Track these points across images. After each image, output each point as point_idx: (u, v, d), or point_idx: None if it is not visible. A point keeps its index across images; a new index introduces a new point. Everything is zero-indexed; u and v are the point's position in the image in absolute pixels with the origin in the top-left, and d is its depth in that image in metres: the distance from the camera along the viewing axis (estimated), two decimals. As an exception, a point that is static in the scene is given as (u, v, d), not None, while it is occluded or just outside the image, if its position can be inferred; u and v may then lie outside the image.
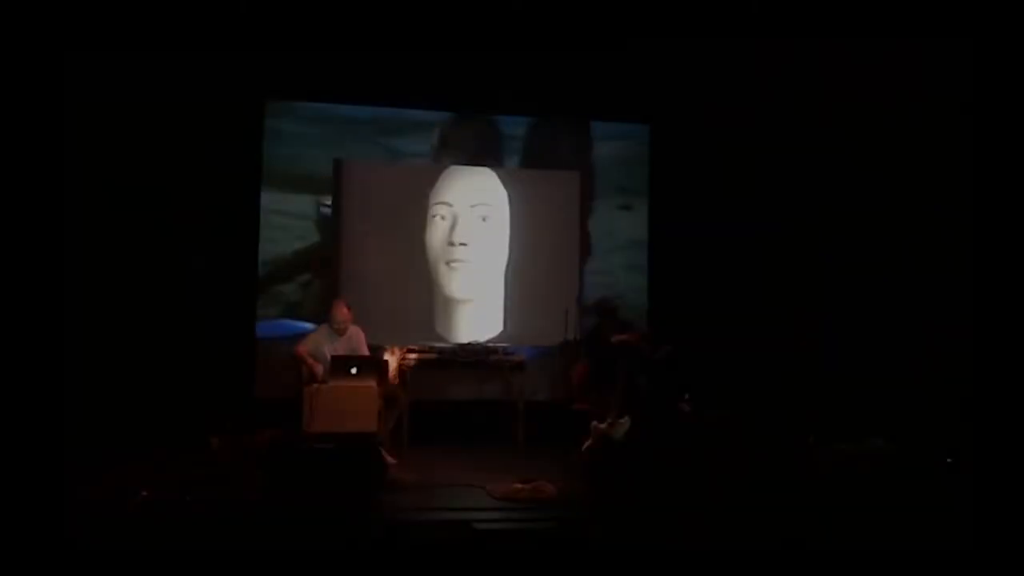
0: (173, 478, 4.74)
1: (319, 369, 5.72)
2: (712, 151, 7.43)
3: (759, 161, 7.37)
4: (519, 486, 4.73)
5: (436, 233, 7.27)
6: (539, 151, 7.50)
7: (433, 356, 6.75)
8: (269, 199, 6.98)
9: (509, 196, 7.39)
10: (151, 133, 6.57)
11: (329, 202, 7.06)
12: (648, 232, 7.60)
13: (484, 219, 7.33)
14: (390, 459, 5.29)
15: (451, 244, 7.26)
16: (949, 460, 5.47)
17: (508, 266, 7.36)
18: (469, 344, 6.93)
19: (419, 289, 7.19)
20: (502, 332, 7.26)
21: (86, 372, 6.02)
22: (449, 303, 7.26)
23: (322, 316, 6.34)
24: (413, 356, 6.65)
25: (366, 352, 6.09)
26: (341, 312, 6.02)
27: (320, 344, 5.93)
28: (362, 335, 6.15)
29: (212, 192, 6.75)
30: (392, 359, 6.45)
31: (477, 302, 7.30)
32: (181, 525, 3.91)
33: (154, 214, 6.60)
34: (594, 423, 5.37)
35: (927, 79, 6.38)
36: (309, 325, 6.64)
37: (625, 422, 5.33)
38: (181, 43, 6.37)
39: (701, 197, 7.44)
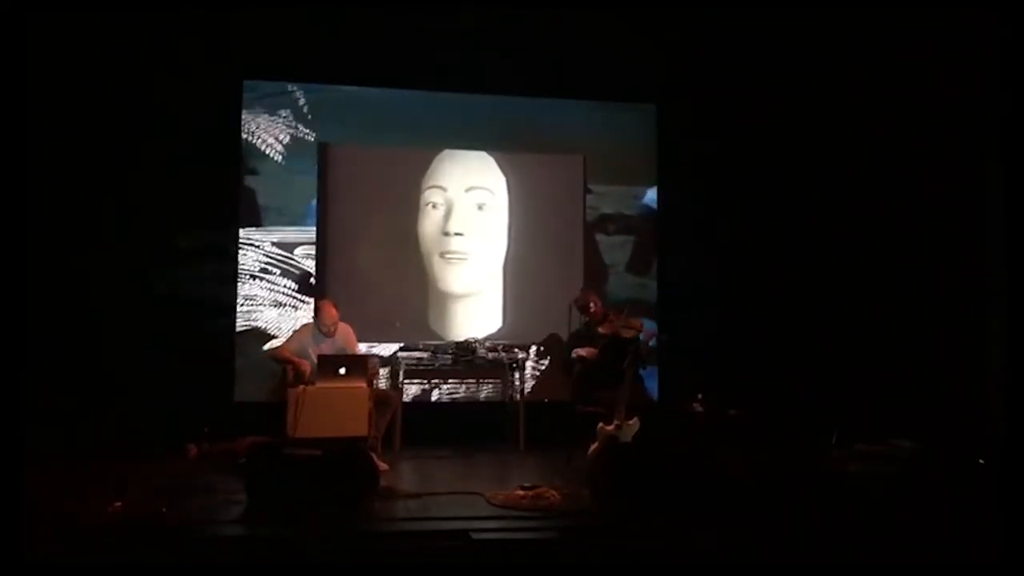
0: (148, 488, 4.72)
1: (307, 367, 5.68)
2: (722, 132, 7.41)
3: (775, 143, 7.35)
4: (520, 493, 4.72)
5: (429, 223, 7.26)
6: (539, 133, 7.47)
7: (427, 355, 6.74)
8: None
9: (508, 182, 7.37)
10: (123, 117, 6.56)
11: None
12: (656, 219, 7.59)
13: (481, 207, 7.32)
14: (382, 465, 5.28)
15: (446, 234, 7.25)
16: (981, 462, 5.47)
17: (507, 257, 7.35)
18: (466, 341, 6.91)
19: (412, 283, 7.18)
20: (501, 328, 7.26)
21: (55, 376, 6.04)
22: (444, 298, 7.25)
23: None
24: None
25: (358, 351, 6.08)
26: (330, 314, 5.99)
27: (306, 344, 5.91)
28: (352, 334, 6.14)
29: (190, 184, 6.71)
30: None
31: (474, 296, 7.29)
32: (156, 538, 3.90)
33: (127, 208, 6.59)
34: (601, 425, 5.36)
35: (945, 55, 6.38)
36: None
37: (634, 423, 5.32)
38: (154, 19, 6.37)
39: (711, 181, 7.43)
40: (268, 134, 7.01)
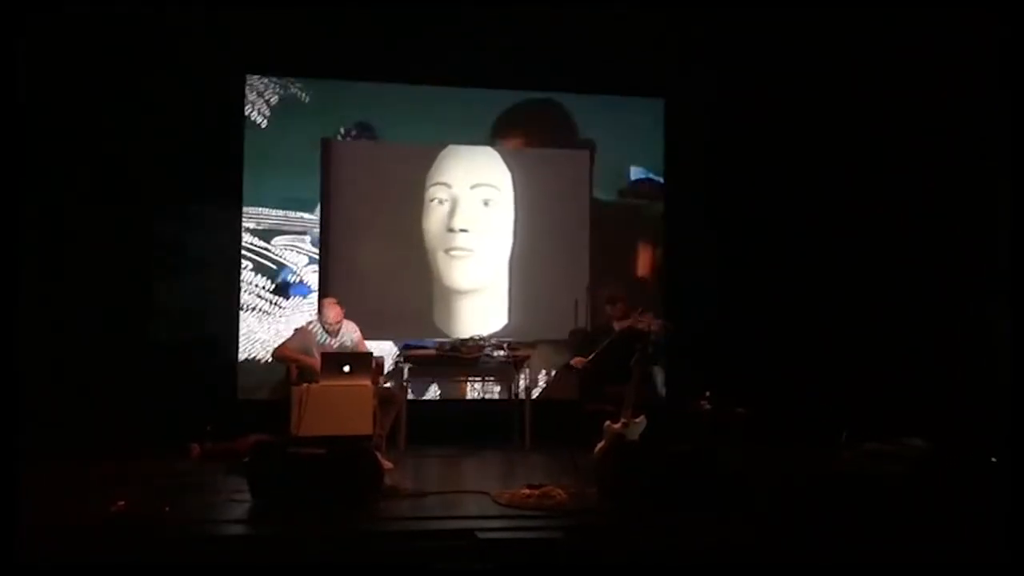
0: (151, 487, 4.73)
1: (317, 363, 5.64)
2: (730, 128, 7.37)
3: (782, 140, 7.30)
4: (526, 492, 4.71)
5: (434, 219, 7.24)
6: (546, 128, 7.44)
7: (432, 352, 6.73)
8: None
9: (513, 177, 7.35)
10: (123, 110, 6.55)
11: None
12: (664, 214, 7.55)
13: (486, 203, 7.30)
14: (386, 464, 5.27)
15: (451, 231, 7.23)
16: (993, 460, 5.44)
17: (513, 254, 7.33)
18: (471, 339, 6.90)
19: (416, 280, 7.17)
20: (507, 325, 7.24)
21: (55, 375, 6.04)
22: (449, 295, 7.24)
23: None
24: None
25: (364, 350, 6.06)
26: (334, 312, 5.98)
27: (309, 344, 5.89)
28: (357, 331, 6.13)
29: (191, 182, 6.69)
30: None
31: (480, 293, 7.28)
32: (159, 538, 3.90)
33: (128, 207, 6.57)
34: (607, 423, 5.34)
35: (946, 55, 6.36)
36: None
37: (641, 422, 5.30)
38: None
39: (719, 176, 7.39)
40: (270, 130, 6.99)
